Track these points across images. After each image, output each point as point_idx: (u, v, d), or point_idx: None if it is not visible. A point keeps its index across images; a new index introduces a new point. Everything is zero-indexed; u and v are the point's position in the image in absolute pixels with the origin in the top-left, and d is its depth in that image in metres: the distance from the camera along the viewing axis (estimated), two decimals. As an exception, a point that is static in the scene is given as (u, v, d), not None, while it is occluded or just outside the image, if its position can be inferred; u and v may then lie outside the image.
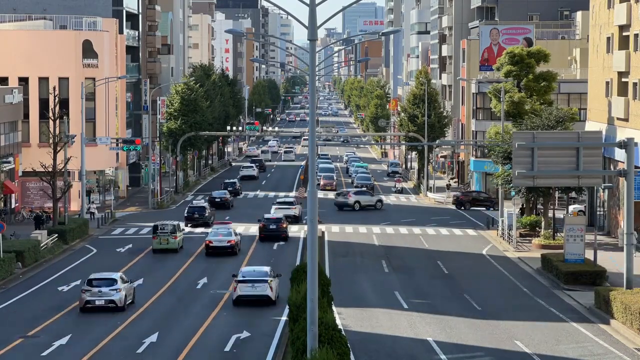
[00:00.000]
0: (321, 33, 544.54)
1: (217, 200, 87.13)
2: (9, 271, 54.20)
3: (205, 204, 78.89)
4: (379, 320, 43.24)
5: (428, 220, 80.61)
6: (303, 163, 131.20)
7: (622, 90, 66.85)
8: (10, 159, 78.56)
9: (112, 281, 45.13)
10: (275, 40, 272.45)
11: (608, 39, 69.66)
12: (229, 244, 62.00)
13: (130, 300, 46.06)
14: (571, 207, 78.07)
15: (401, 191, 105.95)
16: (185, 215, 75.83)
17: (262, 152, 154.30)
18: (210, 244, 62.04)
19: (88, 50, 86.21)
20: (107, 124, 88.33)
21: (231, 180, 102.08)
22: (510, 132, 68.93)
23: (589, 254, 53.00)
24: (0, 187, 75.10)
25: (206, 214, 75.94)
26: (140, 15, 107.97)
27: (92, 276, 45.89)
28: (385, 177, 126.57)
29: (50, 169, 67.47)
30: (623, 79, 66.81)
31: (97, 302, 44.55)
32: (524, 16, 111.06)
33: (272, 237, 67.57)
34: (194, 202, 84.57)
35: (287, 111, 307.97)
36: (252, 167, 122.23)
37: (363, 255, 62.39)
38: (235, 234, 63.32)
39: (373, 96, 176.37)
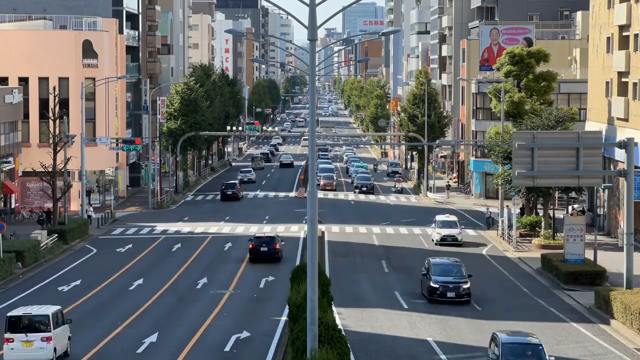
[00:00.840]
0: (321, 33, 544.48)
1: (267, 152, 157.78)
2: (9, 271, 54.22)
3: (267, 150, 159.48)
4: (379, 320, 43.25)
5: (428, 220, 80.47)
6: (303, 163, 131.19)
7: (622, 90, 66.86)
8: (10, 159, 78.56)
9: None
10: (275, 40, 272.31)
11: (608, 39, 69.67)
12: (290, 162, 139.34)
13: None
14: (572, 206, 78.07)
15: (401, 191, 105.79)
16: (262, 154, 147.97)
17: (281, 130, 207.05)
18: (282, 162, 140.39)
19: (88, 50, 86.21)
20: (107, 124, 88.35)
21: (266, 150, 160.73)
22: (510, 132, 68.93)
23: (589, 254, 53.00)
24: (0, 187, 75.09)
25: (270, 156, 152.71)
26: (140, 15, 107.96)
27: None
28: (385, 177, 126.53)
29: (50, 169, 67.47)
30: (623, 79, 66.82)
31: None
32: (524, 16, 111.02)
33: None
34: (263, 147, 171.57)
35: (287, 111, 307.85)
36: (278, 138, 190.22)
37: (363, 255, 62.39)
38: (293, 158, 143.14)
39: (373, 96, 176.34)
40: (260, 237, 59.48)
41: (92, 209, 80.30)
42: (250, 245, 59.06)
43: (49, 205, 74.16)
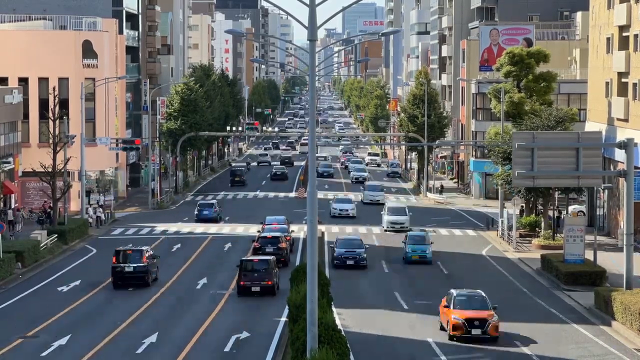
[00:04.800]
0: (321, 33, 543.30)
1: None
2: (9, 271, 54.20)
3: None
4: (379, 321, 43.23)
5: (428, 220, 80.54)
6: (303, 163, 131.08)
7: (622, 90, 66.85)
8: (10, 159, 78.49)
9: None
10: (275, 40, 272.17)
11: (608, 39, 69.66)
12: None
13: None
14: (571, 208, 78.01)
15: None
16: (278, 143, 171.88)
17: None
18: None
19: (88, 50, 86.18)
20: (107, 124, 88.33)
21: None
22: (510, 132, 68.92)
23: (589, 255, 52.98)
24: (0, 187, 75.04)
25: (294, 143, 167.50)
26: (140, 16, 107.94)
27: None
28: (385, 177, 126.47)
29: (50, 169, 67.45)
30: (623, 80, 66.81)
31: None
32: (524, 16, 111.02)
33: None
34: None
35: (286, 111, 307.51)
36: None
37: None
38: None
39: (373, 96, 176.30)
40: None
41: (101, 209, 79.15)
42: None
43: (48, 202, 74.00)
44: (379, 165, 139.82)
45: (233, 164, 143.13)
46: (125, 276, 50.59)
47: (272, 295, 47.90)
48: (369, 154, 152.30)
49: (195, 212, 79.43)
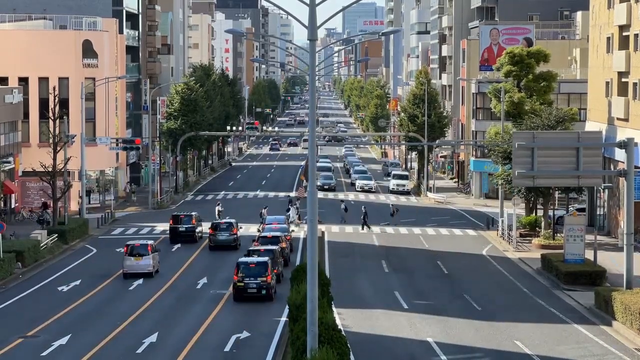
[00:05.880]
0: (321, 33, 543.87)
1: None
2: (9, 271, 54.20)
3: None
4: (379, 321, 43.24)
5: (428, 220, 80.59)
6: (303, 163, 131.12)
7: (622, 90, 66.84)
8: (10, 159, 78.53)
9: None
10: (275, 40, 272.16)
11: (608, 39, 69.66)
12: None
13: None
14: (571, 208, 77.96)
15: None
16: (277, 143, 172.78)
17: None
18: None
19: (88, 50, 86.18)
20: (107, 124, 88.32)
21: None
22: (510, 132, 68.92)
23: (589, 254, 52.97)
24: (0, 187, 75.05)
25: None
26: (140, 15, 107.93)
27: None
28: (385, 177, 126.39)
29: (50, 169, 67.46)
30: (623, 79, 66.81)
31: None
32: (524, 16, 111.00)
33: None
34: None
35: (286, 111, 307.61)
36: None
37: (363, 256, 62.38)
38: None
39: (373, 96, 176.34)
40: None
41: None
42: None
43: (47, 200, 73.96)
44: (409, 193, 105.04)
45: (233, 164, 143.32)
46: (180, 234, 66.05)
47: (278, 282, 50.07)
48: (395, 175, 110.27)
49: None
